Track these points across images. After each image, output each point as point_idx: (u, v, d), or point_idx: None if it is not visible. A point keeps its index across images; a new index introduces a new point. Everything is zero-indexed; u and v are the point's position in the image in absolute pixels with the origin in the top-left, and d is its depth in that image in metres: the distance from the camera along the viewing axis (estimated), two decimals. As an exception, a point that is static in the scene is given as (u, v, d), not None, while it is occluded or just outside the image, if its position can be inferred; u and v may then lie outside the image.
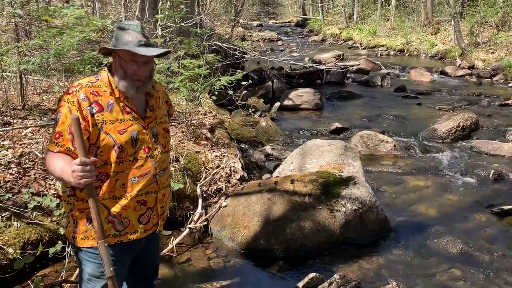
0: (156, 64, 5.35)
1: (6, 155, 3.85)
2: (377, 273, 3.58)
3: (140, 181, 2.01)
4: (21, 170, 3.71)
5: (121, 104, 2.00)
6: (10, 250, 3.08)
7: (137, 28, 1.99)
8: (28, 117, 4.73)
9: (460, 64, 14.75)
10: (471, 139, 7.25)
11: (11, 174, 3.64)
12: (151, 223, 2.11)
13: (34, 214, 3.36)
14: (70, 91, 1.94)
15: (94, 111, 1.92)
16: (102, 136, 1.92)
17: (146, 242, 2.16)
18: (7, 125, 4.40)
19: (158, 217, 2.13)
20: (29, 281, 3.08)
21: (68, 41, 4.61)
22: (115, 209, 1.99)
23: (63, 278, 3.05)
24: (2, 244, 3.09)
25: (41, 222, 3.35)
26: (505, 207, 4.62)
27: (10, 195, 3.39)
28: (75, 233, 2.01)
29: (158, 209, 2.12)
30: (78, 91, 1.92)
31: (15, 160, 3.80)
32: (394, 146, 6.64)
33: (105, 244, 1.86)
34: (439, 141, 7.19)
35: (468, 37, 16.55)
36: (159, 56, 2.04)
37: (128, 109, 2.01)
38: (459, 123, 7.39)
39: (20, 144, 4.09)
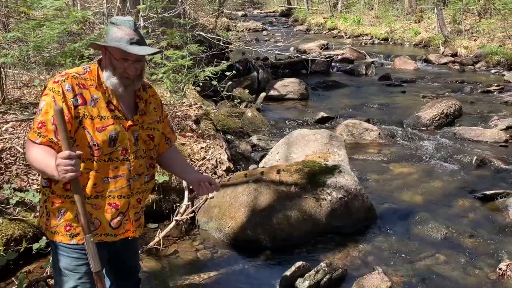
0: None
1: (-13, 150, 3.78)
2: (363, 260, 3.62)
3: (112, 183, 1.95)
4: (2, 166, 3.64)
5: (106, 100, 1.93)
6: (-7, 247, 3.04)
7: (130, 24, 1.92)
8: (8, 111, 4.65)
9: (443, 52, 14.88)
10: (455, 125, 7.34)
11: (-8, 170, 3.58)
12: (123, 228, 2.04)
13: (17, 210, 3.32)
14: (56, 80, 1.88)
15: (78, 104, 1.87)
16: (80, 131, 1.87)
17: (121, 247, 2.11)
18: (-14, 120, 4.31)
19: (131, 223, 2.06)
20: (13, 278, 3.04)
21: (48, 33, 4.52)
22: (86, 207, 1.90)
23: (48, 274, 3.01)
24: (-15, 241, 3.05)
25: (24, 218, 3.31)
26: (488, 192, 4.70)
27: (-9, 191, 3.34)
28: (47, 225, 1.98)
29: (130, 215, 2.05)
30: (64, 81, 1.87)
31: (-5, 156, 3.73)
32: (379, 134, 6.69)
33: (91, 239, 1.82)
34: (423, 128, 7.27)
35: (451, 25, 16.69)
36: (151, 55, 1.99)
37: (112, 107, 1.94)
38: (442, 110, 7.48)
39: (1, 139, 4.01)
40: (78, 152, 1.79)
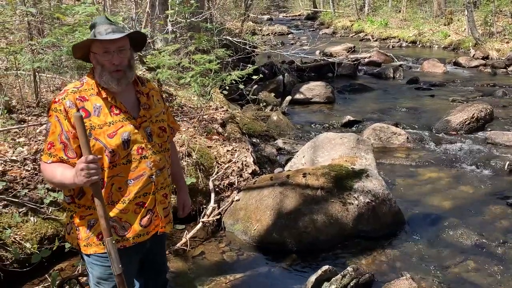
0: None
1: (22, 151, 3.92)
2: (390, 265, 3.57)
3: (136, 183, 1.97)
4: (36, 167, 3.76)
5: (109, 105, 1.94)
6: (28, 245, 3.15)
7: (102, 20, 1.95)
8: (42, 114, 4.79)
9: (474, 55, 14.54)
10: (486, 130, 7.15)
11: (27, 170, 3.70)
12: (153, 225, 2.07)
13: (50, 210, 3.42)
14: (56, 99, 1.91)
15: None
16: (92, 142, 1.88)
17: (151, 247, 2.14)
18: (22, 122, 4.47)
19: (159, 219, 2.09)
20: (46, 275, 3.14)
21: (80, 38, 4.65)
22: (115, 214, 1.96)
23: (80, 272, 3.10)
24: (20, 239, 3.16)
25: (57, 217, 3.41)
26: (521, 199, 4.56)
27: (26, 191, 3.45)
28: (78, 240, 2.00)
29: (159, 211, 2.08)
30: (64, 99, 1.89)
31: (30, 157, 3.86)
32: (407, 138, 6.59)
33: (113, 242, 1.85)
34: (453, 132, 7.11)
35: (482, 27, 16.28)
36: (132, 39, 1.98)
37: (116, 111, 1.95)
38: (473, 114, 7.29)
39: (35, 141, 4.15)
40: (99, 156, 1.84)
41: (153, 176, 2.02)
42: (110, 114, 1.94)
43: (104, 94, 1.94)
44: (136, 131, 1.98)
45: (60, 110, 1.88)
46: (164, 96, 2.32)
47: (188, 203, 2.46)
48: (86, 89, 1.95)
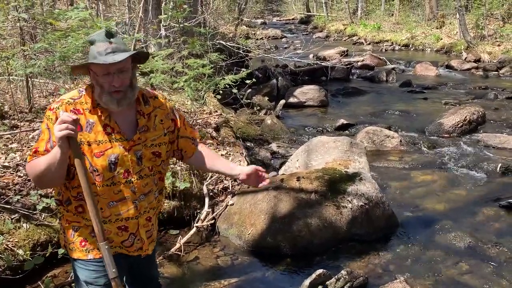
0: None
1: (14, 157, 3.90)
2: (384, 268, 3.58)
3: (117, 206, 1.92)
4: (29, 173, 3.74)
5: (103, 123, 1.86)
6: (20, 252, 3.12)
7: (101, 37, 1.83)
8: (35, 119, 4.78)
9: (466, 58, 14.65)
10: (478, 132, 7.21)
11: (19, 176, 3.69)
12: (135, 247, 2.02)
13: (43, 216, 3.40)
14: (51, 107, 1.86)
15: None
16: None
17: (136, 260, 2.09)
18: (14, 128, 4.45)
19: (142, 242, 2.03)
20: (39, 282, 3.12)
21: (73, 44, 4.65)
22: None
23: (73, 278, 3.08)
24: (12, 246, 3.14)
25: (50, 224, 3.39)
26: (513, 201, 4.59)
27: (19, 197, 3.44)
28: (65, 241, 2.01)
29: (142, 235, 2.02)
30: (58, 108, 1.83)
31: (23, 163, 3.84)
32: (400, 141, 6.62)
33: (106, 247, 1.81)
34: (446, 135, 7.15)
35: (474, 30, 16.43)
36: (135, 56, 1.88)
37: (109, 130, 1.87)
38: (465, 117, 7.35)
39: (28, 147, 4.13)
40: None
41: (136, 201, 1.96)
42: (102, 132, 1.87)
43: (99, 112, 1.86)
44: (125, 153, 1.89)
45: (52, 119, 1.83)
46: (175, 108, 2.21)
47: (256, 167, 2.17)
48: (82, 102, 1.88)
